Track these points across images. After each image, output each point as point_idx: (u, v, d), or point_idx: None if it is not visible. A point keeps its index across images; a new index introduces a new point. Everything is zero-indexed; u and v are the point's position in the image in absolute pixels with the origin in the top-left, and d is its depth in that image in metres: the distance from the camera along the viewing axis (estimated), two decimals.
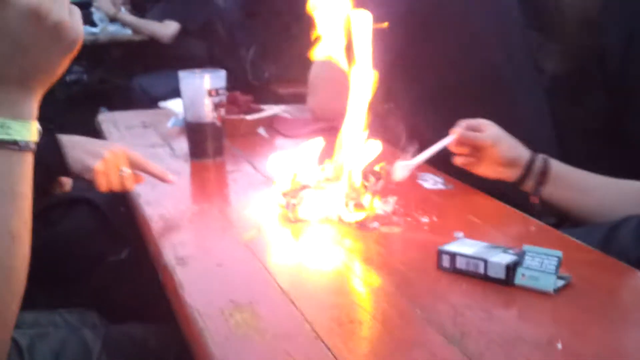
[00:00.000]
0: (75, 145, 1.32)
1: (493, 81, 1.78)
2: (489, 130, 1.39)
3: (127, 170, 1.32)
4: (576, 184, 1.39)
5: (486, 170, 1.41)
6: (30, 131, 0.85)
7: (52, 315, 1.32)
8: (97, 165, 1.29)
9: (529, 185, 1.39)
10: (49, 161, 1.27)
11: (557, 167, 1.39)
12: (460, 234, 1.16)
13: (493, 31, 1.80)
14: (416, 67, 1.72)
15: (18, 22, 0.80)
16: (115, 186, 1.32)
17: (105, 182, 1.31)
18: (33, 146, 0.86)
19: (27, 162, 0.86)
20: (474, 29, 1.77)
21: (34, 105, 0.86)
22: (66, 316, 1.33)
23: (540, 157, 1.39)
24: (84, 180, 1.32)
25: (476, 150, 1.39)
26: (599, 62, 1.92)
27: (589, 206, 1.38)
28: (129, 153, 1.35)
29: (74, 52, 0.85)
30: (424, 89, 1.75)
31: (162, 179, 1.38)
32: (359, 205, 1.24)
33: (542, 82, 1.91)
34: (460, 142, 1.39)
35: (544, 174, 1.38)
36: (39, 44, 0.82)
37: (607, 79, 1.78)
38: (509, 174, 1.40)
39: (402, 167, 1.38)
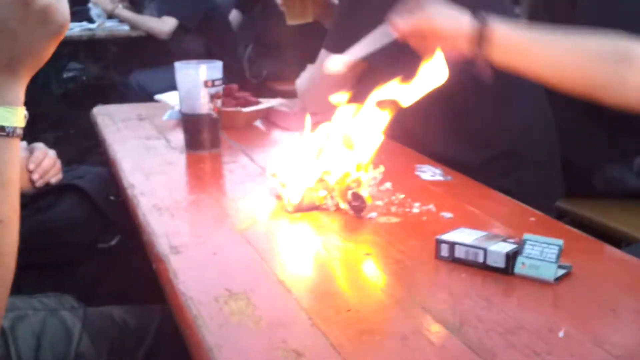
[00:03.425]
0: None
1: None
2: (423, 7, 1.34)
3: None
4: (523, 49, 1.32)
5: (429, 46, 1.34)
6: (17, 117, 0.84)
7: (30, 300, 1.31)
8: None
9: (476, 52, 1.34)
10: None
11: (501, 30, 1.32)
12: (449, 214, 1.14)
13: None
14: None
15: (5, 7, 0.79)
16: None
17: None
18: (20, 132, 0.85)
19: (14, 148, 0.85)
20: None
21: (20, 90, 0.85)
22: (43, 300, 1.33)
23: (480, 17, 1.33)
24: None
25: (422, 34, 1.35)
26: (546, 10, 1.93)
27: (537, 71, 1.33)
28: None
29: (61, 36, 0.83)
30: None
31: None
32: (357, 195, 1.22)
33: None
34: (402, 32, 1.36)
35: (486, 38, 1.31)
36: (26, 28, 0.81)
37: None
38: (458, 46, 1.33)
39: (337, 60, 1.37)
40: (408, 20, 1.35)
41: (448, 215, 1.23)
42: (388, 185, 1.36)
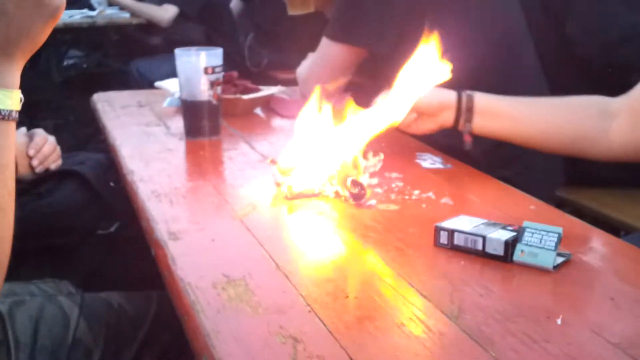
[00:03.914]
0: None
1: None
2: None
3: None
4: (505, 113, 1.37)
5: (425, 125, 1.40)
6: (12, 100, 0.84)
7: (27, 285, 1.31)
8: None
9: (461, 124, 1.38)
10: None
11: (482, 99, 1.37)
12: (449, 202, 1.14)
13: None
14: None
15: None
16: None
17: None
18: (15, 115, 0.84)
19: (10, 132, 0.84)
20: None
21: (16, 73, 0.84)
22: (41, 285, 1.33)
23: (465, 94, 1.37)
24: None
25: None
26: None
27: (521, 132, 1.37)
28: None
29: (57, 19, 0.83)
30: None
31: None
32: (356, 183, 1.22)
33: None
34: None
35: (469, 109, 1.36)
36: (21, 11, 0.80)
37: None
38: (445, 120, 1.39)
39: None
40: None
41: (448, 202, 1.22)
42: (395, 174, 1.36)
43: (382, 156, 1.30)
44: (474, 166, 1.44)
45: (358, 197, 1.22)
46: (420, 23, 1.64)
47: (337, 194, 1.24)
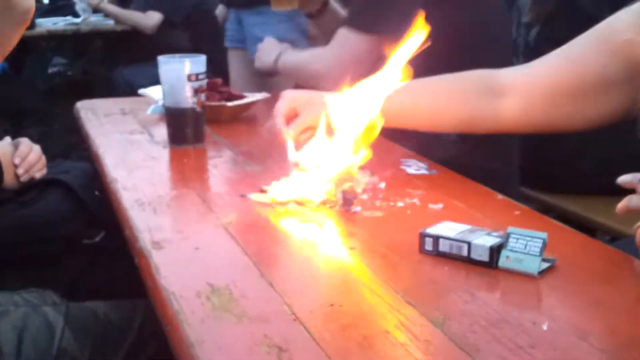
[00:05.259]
0: None
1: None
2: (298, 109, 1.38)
3: None
4: (391, 113, 1.31)
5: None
6: None
7: (11, 295, 1.30)
8: None
9: None
10: None
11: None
12: (434, 207, 1.15)
13: None
14: None
15: None
16: None
17: None
18: None
19: None
20: None
21: None
22: (25, 295, 1.31)
23: None
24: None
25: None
26: None
27: (409, 124, 1.38)
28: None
29: (27, 22, 0.82)
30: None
31: None
32: (352, 190, 1.21)
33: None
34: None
35: None
36: None
37: None
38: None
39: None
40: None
41: (433, 208, 1.22)
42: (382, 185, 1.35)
43: (376, 179, 1.30)
44: (459, 171, 1.44)
45: (348, 203, 1.21)
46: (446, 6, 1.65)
47: (323, 202, 1.23)
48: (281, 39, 2.12)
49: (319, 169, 1.26)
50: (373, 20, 1.72)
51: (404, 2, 1.67)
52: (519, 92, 1.30)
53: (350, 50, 1.75)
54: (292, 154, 1.31)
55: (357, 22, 1.74)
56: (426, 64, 1.41)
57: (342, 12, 2.12)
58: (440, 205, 1.23)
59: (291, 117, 1.40)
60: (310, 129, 1.35)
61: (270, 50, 2.04)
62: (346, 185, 1.22)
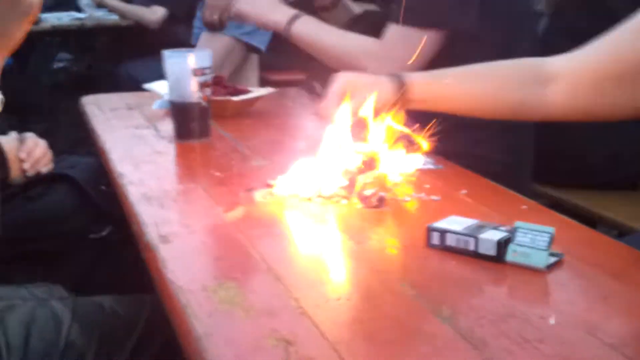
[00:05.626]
0: None
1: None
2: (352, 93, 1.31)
3: None
4: (441, 97, 1.35)
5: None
6: None
7: (19, 289, 1.30)
8: None
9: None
10: None
11: (418, 89, 1.33)
12: (439, 200, 1.17)
13: None
14: None
15: None
16: None
17: None
18: None
19: None
20: None
21: None
22: (32, 290, 1.32)
23: (400, 84, 1.32)
24: None
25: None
26: None
27: (460, 111, 1.37)
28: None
29: (33, 17, 0.82)
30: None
31: None
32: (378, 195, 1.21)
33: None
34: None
35: (406, 100, 1.32)
36: None
37: None
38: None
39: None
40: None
41: (440, 202, 1.22)
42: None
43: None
44: (465, 166, 1.44)
45: (370, 204, 1.21)
46: None
47: (330, 195, 1.23)
48: None
49: (337, 163, 1.25)
50: (436, 14, 1.69)
51: None
52: (566, 79, 1.29)
53: (412, 47, 1.68)
54: (330, 141, 1.28)
55: (416, 17, 1.69)
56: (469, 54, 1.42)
57: (354, 7, 2.10)
58: (443, 203, 1.23)
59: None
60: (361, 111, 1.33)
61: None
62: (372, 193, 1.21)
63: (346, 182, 1.23)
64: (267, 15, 1.90)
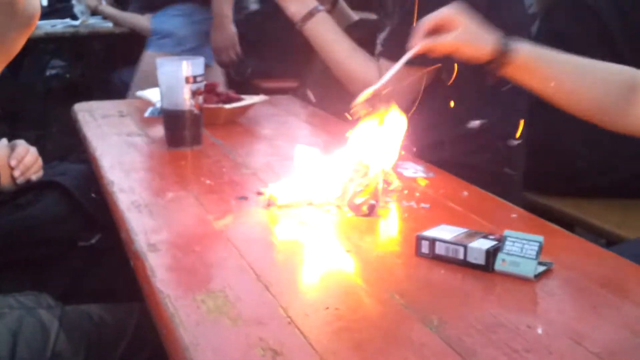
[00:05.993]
0: None
1: None
2: (454, 28, 1.30)
3: None
4: (539, 72, 1.33)
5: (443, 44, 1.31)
6: None
7: (6, 298, 1.30)
8: None
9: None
10: None
11: (522, 55, 1.30)
12: (428, 208, 1.17)
13: None
14: None
15: None
16: None
17: None
18: None
19: None
20: None
21: None
22: (20, 298, 1.31)
23: (505, 44, 1.30)
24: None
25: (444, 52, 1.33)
26: None
27: (549, 91, 1.33)
28: None
29: (32, 27, 0.82)
30: None
31: None
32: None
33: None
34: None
35: (506, 62, 1.30)
36: None
37: None
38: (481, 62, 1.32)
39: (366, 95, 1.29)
40: (436, 44, 1.31)
41: (429, 211, 1.22)
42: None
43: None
44: (456, 174, 1.44)
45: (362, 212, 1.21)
46: None
47: (322, 204, 1.23)
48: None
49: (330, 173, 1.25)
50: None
51: None
52: None
53: (413, 82, 1.73)
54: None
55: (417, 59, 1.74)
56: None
57: (352, 14, 2.10)
58: (433, 211, 1.23)
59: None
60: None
61: None
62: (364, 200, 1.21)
63: (337, 191, 1.23)
64: (283, 2, 1.87)
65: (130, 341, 1.27)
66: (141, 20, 4.30)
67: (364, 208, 1.20)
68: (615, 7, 1.97)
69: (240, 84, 3.93)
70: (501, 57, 1.30)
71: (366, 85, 1.72)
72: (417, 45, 1.31)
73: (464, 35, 1.30)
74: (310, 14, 1.83)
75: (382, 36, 1.85)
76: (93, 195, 1.56)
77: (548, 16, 2.07)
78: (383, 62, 1.75)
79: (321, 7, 1.84)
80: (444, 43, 1.30)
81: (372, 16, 2.14)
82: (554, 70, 1.33)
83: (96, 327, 1.28)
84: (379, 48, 1.83)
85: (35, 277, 1.50)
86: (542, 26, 2.07)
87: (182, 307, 0.88)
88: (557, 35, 1.99)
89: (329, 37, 1.85)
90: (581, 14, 2.00)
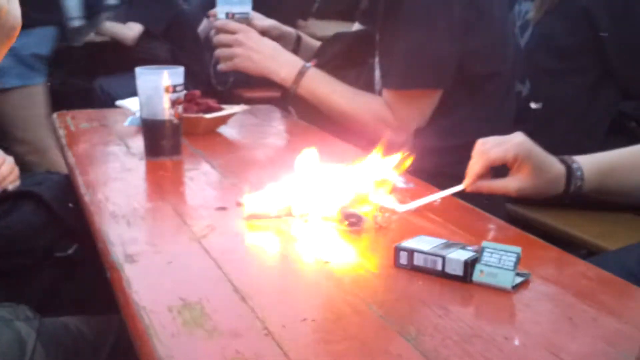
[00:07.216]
0: None
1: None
2: (515, 171, 1.22)
3: None
4: (613, 190, 1.31)
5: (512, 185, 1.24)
6: None
7: None
8: None
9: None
10: None
11: (591, 182, 1.26)
12: (407, 217, 1.17)
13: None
14: None
15: None
16: None
17: None
18: None
19: None
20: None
21: None
22: None
23: (575, 167, 1.26)
24: None
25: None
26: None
27: (609, 189, 1.31)
28: None
29: (12, 39, 0.81)
30: None
31: None
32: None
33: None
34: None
35: (578, 193, 1.26)
36: None
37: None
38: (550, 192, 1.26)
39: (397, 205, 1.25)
40: (490, 188, 1.26)
41: (408, 220, 1.22)
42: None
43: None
44: (436, 185, 1.44)
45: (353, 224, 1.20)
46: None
47: (300, 216, 1.22)
48: None
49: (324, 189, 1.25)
50: (437, 74, 1.74)
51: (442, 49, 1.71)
52: None
53: (418, 107, 1.77)
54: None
55: (415, 80, 1.75)
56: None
57: (316, 42, 2.11)
58: (412, 221, 1.23)
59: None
60: None
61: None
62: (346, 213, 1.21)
63: (319, 201, 1.22)
64: (271, 72, 1.88)
65: (108, 353, 1.26)
66: (123, 29, 4.29)
67: (342, 219, 1.19)
68: (608, 13, 1.99)
69: (222, 93, 3.92)
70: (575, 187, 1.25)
71: (379, 121, 1.77)
72: (470, 185, 1.26)
73: (528, 189, 1.23)
74: (301, 74, 1.85)
75: (377, 74, 1.86)
76: (70, 205, 1.54)
77: (540, 22, 2.08)
78: (386, 93, 1.77)
79: (308, 65, 1.85)
80: (502, 187, 1.24)
81: (349, 27, 2.15)
82: (627, 177, 1.30)
83: (74, 339, 1.26)
84: (377, 83, 1.85)
85: (10, 288, 1.48)
86: (534, 32, 2.09)
87: (157, 319, 0.87)
88: (547, 42, 2.02)
89: (325, 90, 1.85)
90: (574, 20, 2.02)
